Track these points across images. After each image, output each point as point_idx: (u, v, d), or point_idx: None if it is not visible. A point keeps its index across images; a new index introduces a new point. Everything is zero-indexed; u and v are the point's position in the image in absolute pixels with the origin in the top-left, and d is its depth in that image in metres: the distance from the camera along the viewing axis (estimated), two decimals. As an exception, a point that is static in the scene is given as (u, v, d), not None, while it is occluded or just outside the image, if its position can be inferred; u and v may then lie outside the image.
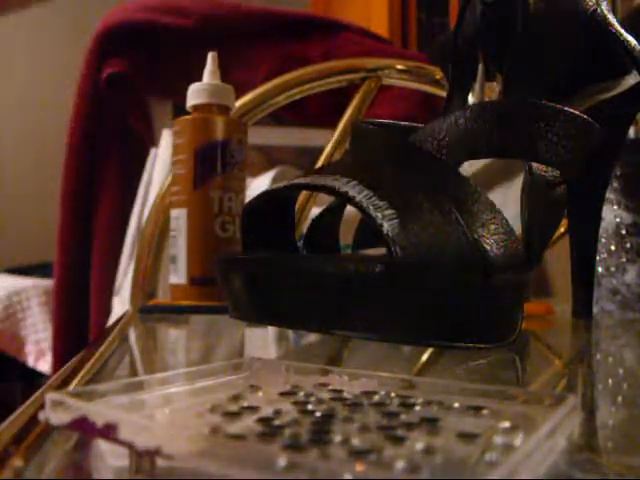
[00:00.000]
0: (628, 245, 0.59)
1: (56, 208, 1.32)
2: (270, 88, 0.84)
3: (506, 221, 0.33)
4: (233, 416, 0.18)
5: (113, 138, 1.33)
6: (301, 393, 0.20)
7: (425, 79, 0.91)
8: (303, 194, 0.76)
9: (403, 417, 0.18)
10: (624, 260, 0.58)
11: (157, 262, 0.77)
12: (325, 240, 0.42)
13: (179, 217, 0.58)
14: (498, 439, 0.16)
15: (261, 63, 1.16)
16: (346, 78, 0.88)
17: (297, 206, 0.54)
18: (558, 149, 0.35)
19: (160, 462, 0.15)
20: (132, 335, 0.47)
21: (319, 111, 1.13)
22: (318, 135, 1.02)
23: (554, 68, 0.40)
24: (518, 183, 0.38)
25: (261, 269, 0.32)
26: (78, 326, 1.27)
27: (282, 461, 0.13)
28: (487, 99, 0.46)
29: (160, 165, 1.16)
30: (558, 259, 0.65)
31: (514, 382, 0.29)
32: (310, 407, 0.19)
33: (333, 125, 0.86)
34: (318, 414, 0.18)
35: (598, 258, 0.58)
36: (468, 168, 0.41)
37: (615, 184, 0.59)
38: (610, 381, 0.30)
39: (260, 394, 0.21)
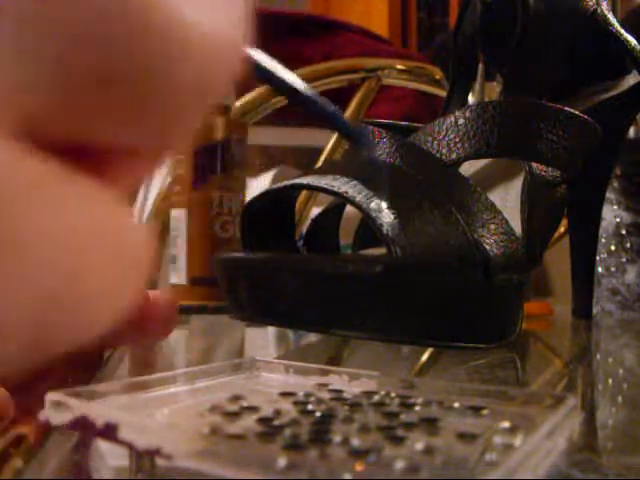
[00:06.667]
0: (628, 245, 0.59)
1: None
2: (270, 88, 0.84)
3: (506, 221, 0.33)
4: (233, 416, 0.18)
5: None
6: (301, 393, 0.20)
7: (425, 79, 0.91)
8: (303, 194, 0.76)
9: (403, 417, 0.18)
10: (624, 260, 0.58)
11: (157, 262, 0.77)
12: (325, 240, 0.42)
13: (179, 217, 0.58)
14: (498, 439, 0.16)
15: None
16: (346, 78, 0.88)
17: (297, 206, 0.54)
18: (558, 149, 0.35)
19: (160, 462, 0.15)
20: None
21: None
22: (318, 135, 1.02)
23: (554, 68, 0.40)
24: (518, 183, 0.38)
25: (261, 269, 0.32)
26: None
27: (282, 461, 0.13)
28: (487, 99, 0.45)
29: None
30: (558, 259, 0.65)
31: (514, 382, 0.29)
32: (310, 407, 0.19)
33: (333, 125, 0.86)
34: (318, 414, 0.18)
35: (598, 258, 0.58)
36: (468, 168, 0.41)
37: (615, 184, 0.59)
38: (610, 381, 0.30)
39: (260, 394, 0.21)
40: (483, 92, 0.46)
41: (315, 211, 0.65)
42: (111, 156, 0.09)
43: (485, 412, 0.18)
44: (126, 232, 0.09)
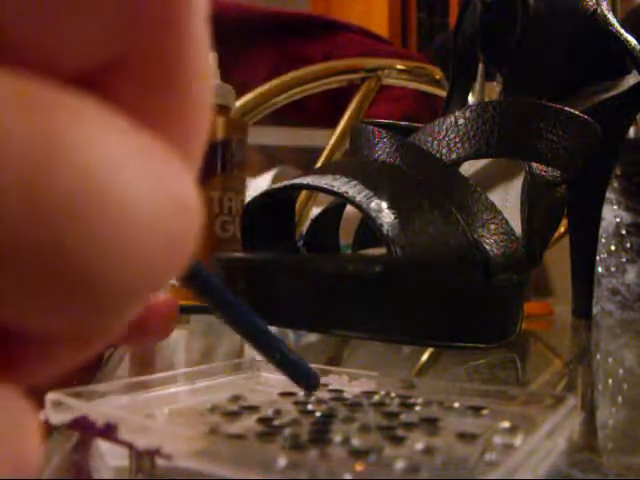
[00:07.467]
0: (628, 245, 0.59)
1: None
2: (270, 88, 0.84)
3: (506, 221, 0.33)
4: (233, 416, 0.18)
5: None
6: (301, 393, 0.20)
7: (425, 79, 0.91)
8: (303, 194, 0.76)
9: (403, 417, 0.18)
10: (624, 260, 0.58)
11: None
12: (325, 240, 0.42)
13: (179, 217, 0.58)
14: (498, 439, 0.16)
15: (261, 63, 1.16)
16: (346, 78, 0.88)
17: (297, 206, 0.54)
18: (558, 149, 0.35)
19: (160, 462, 0.15)
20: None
21: (319, 111, 1.13)
22: (318, 135, 1.02)
23: (554, 68, 0.40)
24: (518, 183, 0.38)
25: (261, 269, 0.32)
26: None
27: (282, 461, 0.13)
28: (487, 99, 0.45)
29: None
30: (558, 259, 0.65)
31: (514, 382, 0.29)
32: (310, 407, 0.19)
33: (333, 125, 0.86)
34: (318, 414, 0.18)
35: (598, 258, 0.58)
36: (468, 168, 0.41)
37: (615, 184, 0.59)
38: (610, 381, 0.30)
39: (260, 394, 0.21)
40: (483, 92, 0.46)
41: (315, 211, 0.65)
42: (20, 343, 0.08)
43: (485, 412, 0.18)
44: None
